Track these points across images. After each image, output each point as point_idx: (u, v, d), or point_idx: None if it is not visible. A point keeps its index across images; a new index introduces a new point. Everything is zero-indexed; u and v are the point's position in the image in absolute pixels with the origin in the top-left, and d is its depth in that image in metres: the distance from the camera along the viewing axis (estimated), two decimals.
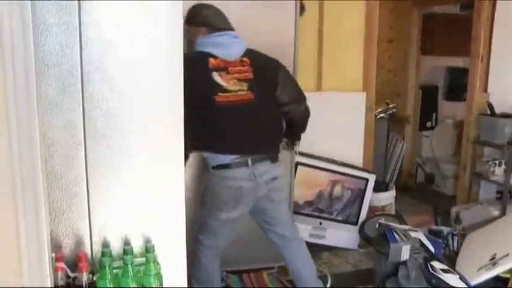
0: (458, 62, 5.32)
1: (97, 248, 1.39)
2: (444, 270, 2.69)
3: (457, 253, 3.32)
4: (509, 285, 2.83)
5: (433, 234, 3.43)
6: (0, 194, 0.97)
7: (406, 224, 3.34)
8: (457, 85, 5.24)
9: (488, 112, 4.02)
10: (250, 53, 2.41)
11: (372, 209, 3.85)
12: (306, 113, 2.67)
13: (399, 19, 5.20)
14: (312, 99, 3.57)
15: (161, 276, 1.36)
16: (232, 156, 2.33)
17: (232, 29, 2.44)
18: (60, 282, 1.26)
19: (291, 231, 2.67)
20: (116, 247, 1.40)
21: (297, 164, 3.43)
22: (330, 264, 3.48)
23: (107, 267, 1.29)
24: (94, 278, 1.31)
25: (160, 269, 1.37)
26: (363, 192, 3.72)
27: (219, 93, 2.28)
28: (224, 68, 2.31)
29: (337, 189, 3.70)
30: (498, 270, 2.80)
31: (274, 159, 2.49)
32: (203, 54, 2.33)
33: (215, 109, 2.29)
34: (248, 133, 2.37)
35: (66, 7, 1.27)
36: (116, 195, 1.40)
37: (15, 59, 0.96)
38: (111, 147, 1.36)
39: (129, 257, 1.31)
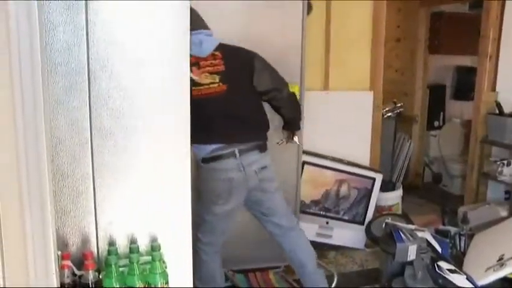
0: (466, 61, 5.30)
1: (103, 246, 1.40)
2: (451, 271, 2.68)
3: (464, 253, 3.30)
4: None
5: (440, 234, 3.41)
6: (7, 192, 0.97)
7: (413, 223, 3.33)
8: (465, 84, 5.21)
9: (497, 111, 3.99)
10: (222, 47, 2.46)
11: (378, 209, 3.84)
12: (291, 100, 2.68)
13: (406, 18, 5.17)
14: (319, 99, 3.61)
15: (167, 275, 1.36)
16: (215, 146, 2.39)
17: (206, 28, 2.46)
18: (67, 280, 1.26)
19: (288, 220, 2.70)
20: (122, 245, 1.41)
21: (304, 163, 3.43)
22: (337, 264, 3.47)
23: (113, 266, 1.29)
24: (100, 276, 1.32)
25: (165, 267, 1.37)
26: (370, 192, 3.71)
27: (192, 88, 2.32)
28: (195, 63, 2.36)
29: (344, 189, 3.70)
30: (506, 271, 2.78)
31: (262, 148, 2.53)
32: None
33: (190, 103, 2.34)
34: (226, 123, 2.42)
35: (73, 6, 1.27)
36: (123, 194, 1.40)
37: (22, 57, 0.96)
38: (117, 146, 1.37)
39: (135, 256, 1.32)
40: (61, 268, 1.25)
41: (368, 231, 3.57)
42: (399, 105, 4.71)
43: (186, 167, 1.45)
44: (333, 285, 3.11)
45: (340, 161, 3.69)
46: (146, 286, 1.32)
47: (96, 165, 1.36)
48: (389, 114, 4.59)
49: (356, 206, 3.72)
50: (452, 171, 5.13)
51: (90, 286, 1.29)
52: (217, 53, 2.43)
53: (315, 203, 3.67)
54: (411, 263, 2.72)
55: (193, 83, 2.32)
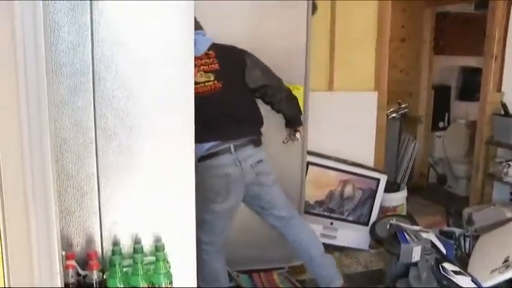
0: (471, 61, 5.27)
1: (107, 246, 1.40)
2: (456, 272, 2.67)
3: (469, 255, 3.28)
4: None
5: (445, 236, 3.39)
6: (12, 192, 0.98)
7: (417, 224, 3.32)
8: (470, 85, 5.19)
9: (502, 112, 3.97)
10: (215, 46, 2.51)
11: (383, 210, 3.83)
12: (286, 96, 2.70)
13: (411, 18, 5.16)
14: (324, 99, 3.60)
15: (171, 275, 1.36)
16: (212, 143, 2.42)
17: (200, 28, 2.48)
18: (71, 280, 1.26)
19: (288, 211, 2.73)
20: (126, 245, 1.41)
21: (308, 163, 3.42)
22: (341, 265, 3.46)
23: (117, 266, 1.29)
24: (104, 276, 1.32)
25: (169, 267, 1.37)
26: (374, 193, 3.70)
27: None
28: None
29: (348, 189, 3.69)
30: (511, 274, 2.76)
31: (257, 143, 2.57)
32: None
33: None
34: (222, 120, 2.47)
35: (78, 7, 1.27)
36: (127, 194, 1.40)
37: (27, 58, 0.96)
38: (122, 146, 1.37)
39: (139, 256, 1.32)
40: (65, 268, 1.25)
41: (372, 232, 3.57)
42: (404, 105, 4.70)
43: (191, 167, 1.45)
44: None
45: (344, 161, 3.68)
46: (150, 286, 1.32)
47: (100, 165, 1.36)
48: (394, 114, 4.57)
49: (360, 206, 3.71)
50: (457, 172, 5.12)
51: (94, 286, 1.29)
52: (210, 52, 2.49)
53: (319, 203, 3.67)
54: (415, 264, 2.71)
55: None
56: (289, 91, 2.72)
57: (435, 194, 5.12)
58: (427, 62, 5.23)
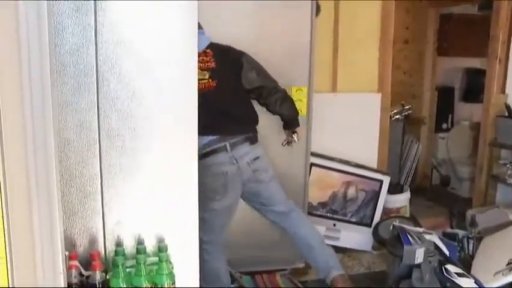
0: (475, 63, 5.26)
1: (111, 247, 1.40)
2: (459, 274, 2.66)
3: (472, 257, 3.27)
4: None
5: (448, 237, 3.38)
6: (15, 193, 0.98)
7: (421, 226, 3.32)
8: (474, 86, 5.18)
9: (506, 114, 3.96)
10: (213, 46, 2.54)
11: (386, 211, 3.82)
12: (280, 96, 2.71)
13: (415, 19, 5.15)
14: (327, 100, 3.59)
15: (174, 276, 1.36)
16: (205, 141, 2.43)
17: (200, 27, 2.45)
18: (74, 280, 1.27)
19: (287, 205, 2.77)
20: (129, 246, 1.41)
21: (311, 165, 3.42)
22: (344, 266, 3.44)
23: (120, 266, 1.30)
24: (107, 277, 1.32)
25: (172, 268, 1.37)
26: (377, 194, 3.69)
27: None
28: None
29: (351, 191, 3.68)
30: None
31: (253, 140, 2.60)
32: None
33: None
34: (216, 117, 2.46)
35: (82, 7, 1.28)
36: (130, 195, 1.40)
37: (31, 58, 0.97)
38: (125, 147, 1.37)
39: (142, 256, 1.32)
40: (69, 268, 1.25)
41: (375, 233, 3.56)
42: (407, 107, 4.70)
43: (194, 168, 1.45)
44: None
45: (347, 163, 3.68)
46: (153, 287, 1.32)
47: (104, 166, 1.36)
48: (397, 116, 4.57)
49: (363, 208, 3.70)
50: (460, 173, 5.10)
51: (97, 286, 1.29)
52: (208, 50, 2.51)
53: (323, 205, 3.66)
54: (418, 266, 2.70)
55: None
56: (284, 92, 2.73)
57: (439, 195, 5.10)
58: (431, 63, 5.23)
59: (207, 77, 2.48)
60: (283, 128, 2.87)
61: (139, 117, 1.37)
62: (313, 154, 3.39)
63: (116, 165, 1.37)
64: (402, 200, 4.00)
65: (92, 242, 1.39)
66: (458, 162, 5.19)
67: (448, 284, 2.63)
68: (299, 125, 2.86)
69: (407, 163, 4.79)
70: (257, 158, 2.60)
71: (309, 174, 3.36)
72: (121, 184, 1.39)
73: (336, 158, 3.65)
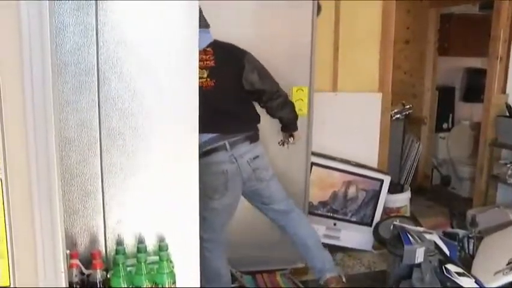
0: (476, 62, 5.26)
1: (111, 246, 1.41)
2: (459, 274, 2.66)
3: (472, 256, 3.27)
4: None
5: (448, 237, 3.38)
6: (16, 192, 0.98)
7: (421, 226, 3.32)
8: (475, 86, 5.18)
9: (507, 114, 3.96)
10: (214, 44, 2.51)
11: (386, 211, 3.82)
12: (281, 101, 2.69)
13: (416, 19, 5.15)
14: (328, 100, 3.60)
15: (175, 275, 1.36)
16: (204, 140, 2.40)
17: (205, 26, 2.47)
18: (75, 279, 1.27)
19: (287, 204, 2.77)
20: (130, 245, 1.41)
21: (312, 164, 3.42)
22: (344, 266, 3.46)
23: (120, 265, 1.30)
24: (108, 275, 1.32)
25: (173, 267, 1.38)
26: (377, 194, 3.70)
27: None
28: None
29: (351, 190, 3.68)
30: None
31: (253, 139, 2.59)
32: None
33: None
34: (214, 116, 2.41)
35: (83, 7, 1.28)
36: (131, 194, 1.41)
37: (33, 58, 0.97)
38: (126, 146, 1.37)
39: (143, 255, 1.32)
40: (70, 267, 1.25)
41: (375, 233, 3.56)
42: (407, 106, 4.70)
43: (194, 167, 1.45)
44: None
45: (348, 162, 3.68)
46: (153, 286, 1.33)
47: (105, 165, 1.37)
48: (398, 115, 4.57)
49: (363, 207, 3.71)
50: (460, 173, 5.10)
51: (98, 285, 1.29)
52: (208, 49, 2.48)
53: (323, 204, 3.67)
54: (419, 265, 2.70)
55: None
56: (285, 96, 2.70)
57: (439, 195, 5.10)
58: (431, 63, 5.22)
59: (205, 75, 2.46)
60: (281, 130, 2.85)
61: (139, 117, 1.37)
62: (314, 153, 3.39)
63: (117, 165, 1.38)
64: (402, 199, 4.01)
65: (93, 240, 1.39)
66: (459, 162, 5.19)
67: (448, 284, 2.63)
68: (297, 129, 2.85)
69: (407, 163, 4.79)
70: (257, 156, 2.59)
71: (310, 174, 3.36)
72: (121, 183, 1.39)
73: (336, 158, 3.66)
